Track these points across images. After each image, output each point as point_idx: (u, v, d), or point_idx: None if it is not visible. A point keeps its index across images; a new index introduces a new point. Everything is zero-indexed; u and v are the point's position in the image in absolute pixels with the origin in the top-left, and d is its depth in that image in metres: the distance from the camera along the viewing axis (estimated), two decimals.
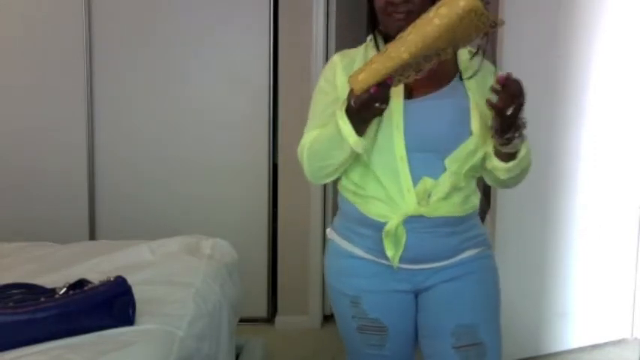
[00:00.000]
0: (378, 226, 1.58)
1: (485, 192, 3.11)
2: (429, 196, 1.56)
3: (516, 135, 1.62)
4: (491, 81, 1.60)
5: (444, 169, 1.57)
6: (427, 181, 1.56)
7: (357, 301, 1.65)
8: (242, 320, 2.50)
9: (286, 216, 3.38)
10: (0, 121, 3.33)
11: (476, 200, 1.67)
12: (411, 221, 1.57)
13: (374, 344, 1.67)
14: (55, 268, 2.14)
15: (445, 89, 1.59)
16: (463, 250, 1.64)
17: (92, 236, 3.37)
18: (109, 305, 1.67)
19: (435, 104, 1.58)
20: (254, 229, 3.42)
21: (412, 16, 1.46)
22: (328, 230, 1.76)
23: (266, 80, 3.32)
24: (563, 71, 2.95)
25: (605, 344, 3.21)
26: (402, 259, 1.59)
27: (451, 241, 1.62)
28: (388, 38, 1.54)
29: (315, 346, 3.18)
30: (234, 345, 2.43)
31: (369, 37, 1.66)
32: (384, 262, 1.61)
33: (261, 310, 3.46)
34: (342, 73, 1.63)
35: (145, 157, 3.38)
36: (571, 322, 3.13)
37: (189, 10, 3.29)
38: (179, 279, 2.08)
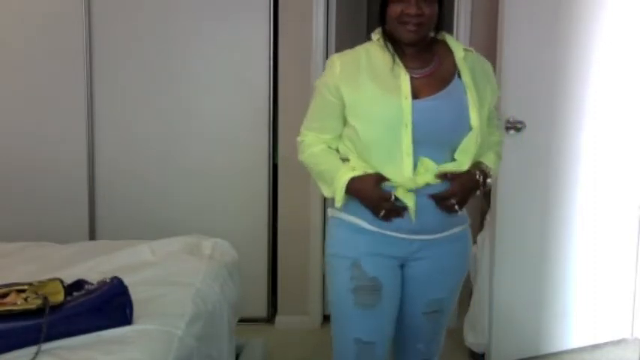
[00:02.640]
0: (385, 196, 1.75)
1: (485, 192, 3.11)
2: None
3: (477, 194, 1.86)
4: (483, 74, 1.85)
5: (449, 161, 1.76)
6: (427, 162, 1.73)
7: (357, 263, 1.82)
8: (242, 320, 2.51)
9: (286, 216, 3.38)
10: (0, 121, 3.33)
11: None
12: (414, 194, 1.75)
13: (367, 304, 1.84)
14: (55, 268, 2.14)
15: (447, 89, 1.76)
16: (452, 226, 1.86)
17: (92, 236, 3.37)
18: (106, 306, 1.67)
19: (439, 103, 1.74)
20: (254, 229, 3.42)
21: (422, 27, 1.71)
22: (329, 210, 1.92)
23: (266, 80, 3.32)
24: (563, 71, 2.94)
25: (605, 344, 3.21)
26: (403, 230, 1.79)
27: (442, 217, 1.81)
28: (393, 39, 1.76)
29: (315, 346, 3.18)
30: (234, 345, 2.43)
31: (375, 37, 1.82)
32: (386, 232, 1.80)
33: (261, 310, 3.46)
34: (341, 72, 1.78)
35: (145, 158, 3.38)
36: (571, 322, 3.13)
37: (189, 11, 3.29)
38: (179, 279, 2.08)
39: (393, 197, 1.74)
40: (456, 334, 3.24)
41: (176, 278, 2.09)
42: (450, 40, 1.86)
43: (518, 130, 2.84)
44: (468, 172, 1.78)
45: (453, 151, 1.78)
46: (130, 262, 2.25)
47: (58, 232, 3.16)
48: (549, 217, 3.02)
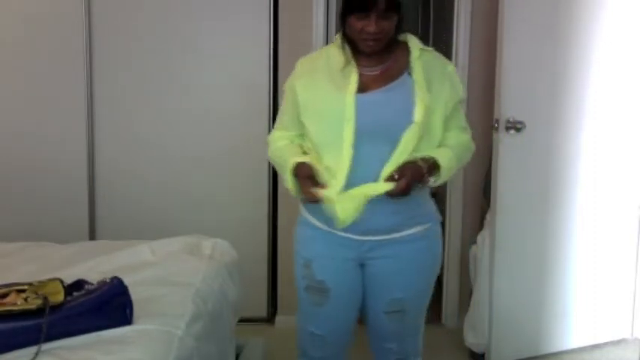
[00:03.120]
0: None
1: (486, 192, 3.12)
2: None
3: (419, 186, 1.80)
4: (441, 74, 1.85)
5: (390, 158, 1.75)
6: (367, 187, 1.75)
7: (308, 263, 1.93)
8: (242, 320, 2.51)
9: (286, 216, 3.38)
10: (0, 121, 3.33)
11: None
12: None
13: (316, 303, 1.94)
14: (55, 268, 2.14)
15: (393, 84, 1.80)
16: (410, 227, 1.86)
17: (92, 236, 3.37)
18: (106, 306, 1.67)
19: (382, 97, 1.78)
20: (254, 229, 3.42)
21: (381, 41, 1.76)
22: (300, 207, 1.99)
23: (266, 80, 3.32)
24: (563, 71, 2.94)
25: (605, 344, 3.21)
26: (350, 230, 1.82)
27: (396, 217, 1.83)
28: (352, 43, 1.80)
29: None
30: (234, 345, 2.43)
31: (336, 39, 1.88)
32: (336, 232, 1.84)
33: (261, 310, 3.46)
34: (299, 73, 1.91)
35: (145, 158, 3.38)
36: (571, 322, 3.13)
37: (189, 11, 3.29)
38: (179, 279, 2.08)
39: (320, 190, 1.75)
40: (456, 334, 3.24)
41: (176, 278, 2.09)
42: (411, 39, 1.90)
43: (518, 130, 2.84)
44: (411, 161, 1.75)
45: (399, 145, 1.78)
46: (130, 262, 2.25)
47: (58, 232, 3.16)
48: (549, 217, 3.02)
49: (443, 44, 3.80)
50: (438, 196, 3.95)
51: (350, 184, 1.75)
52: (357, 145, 1.76)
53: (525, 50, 2.84)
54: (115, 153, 3.36)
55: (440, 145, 1.85)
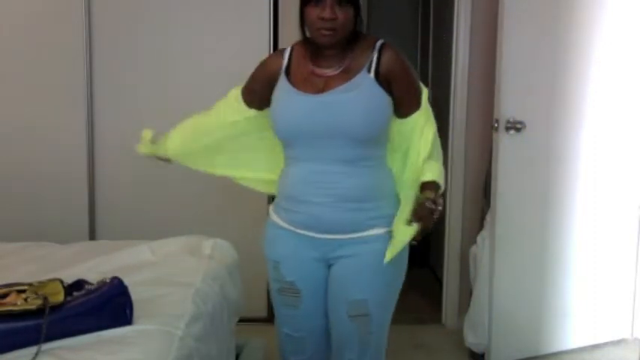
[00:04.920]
0: (294, 201, 1.85)
1: (486, 192, 3.12)
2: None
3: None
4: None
5: (352, 154, 1.78)
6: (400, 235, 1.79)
7: (277, 266, 1.92)
8: (242, 320, 2.50)
9: None
10: (0, 121, 3.33)
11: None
12: (318, 194, 1.81)
13: (290, 304, 1.94)
14: (55, 268, 2.14)
15: (351, 82, 1.79)
16: (371, 227, 1.83)
17: (92, 236, 3.37)
18: (106, 306, 1.67)
19: (339, 97, 1.78)
20: (254, 229, 3.40)
21: (337, 32, 1.74)
22: (269, 207, 2.00)
23: None
24: (562, 71, 2.94)
25: (605, 344, 3.21)
26: (312, 228, 1.84)
27: (357, 216, 1.82)
28: (313, 44, 1.81)
29: None
30: (234, 345, 2.43)
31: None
32: (301, 232, 1.86)
33: (261, 310, 3.45)
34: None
35: (145, 158, 3.37)
36: (571, 322, 3.13)
37: (189, 11, 3.29)
38: (179, 279, 2.08)
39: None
40: (456, 334, 3.24)
41: (176, 278, 2.09)
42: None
43: (518, 130, 2.84)
44: (420, 201, 1.71)
45: (365, 145, 1.79)
46: (130, 262, 2.26)
47: (58, 232, 3.15)
48: (549, 217, 3.02)
49: (443, 44, 3.80)
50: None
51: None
52: (316, 146, 1.79)
53: (525, 50, 2.84)
54: (115, 153, 3.36)
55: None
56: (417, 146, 1.83)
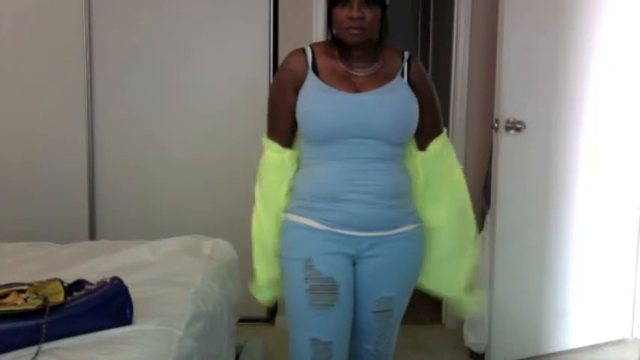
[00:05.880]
0: (332, 200, 1.81)
1: (485, 192, 3.11)
2: None
3: None
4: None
5: (384, 155, 1.81)
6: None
7: (310, 263, 1.83)
8: (242, 320, 2.50)
9: None
10: (0, 121, 3.33)
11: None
12: (358, 192, 1.81)
13: (324, 304, 1.83)
14: (55, 268, 2.14)
15: (389, 84, 1.84)
16: (403, 224, 1.87)
17: (92, 236, 3.37)
18: (106, 306, 1.67)
19: (380, 98, 1.81)
20: None
21: (365, 31, 1.77)
22: (282, 215, 1.91)
23: (266, 80, 3.32)
24: (562, 71, 2.94)
25: (605, 344, 3.21)
26: (350, 226, 1.82)
27: (392, 213, 1.84)
28: (341, 42, 1.83)
29: None
30: (234, 345, 2.43)
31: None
32: (336, 230, 1.82)
33: (261, 310, 3.45)
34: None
35: (145, 157, 3.38)
36: (571, 322, 3.13)
37: (189, 10, 3.29)
38: (179, 279, 2.08)
39: None
40: (456, 334, 3.24)
41: (176, 278, 2.09)
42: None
43: (518, 130, 2.84)
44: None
45: (396, 145, 1.83)
46: (130, 262, 2.25)
47: (58, 232, 3.16)
48: (549, 217, 3.02)
49: (443, 44, 3.80)
50: None
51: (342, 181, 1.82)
52: (354, 146, 1.80)
53: (525, 51, 2.85)
54: (114, 153, 3.36)
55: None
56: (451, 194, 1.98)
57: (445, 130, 1.96)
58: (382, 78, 1.84)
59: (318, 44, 1.93)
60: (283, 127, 1.89)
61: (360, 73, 1.84)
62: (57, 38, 3.29)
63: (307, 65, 1.85)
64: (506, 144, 2.86)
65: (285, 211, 1.91)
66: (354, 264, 1.89)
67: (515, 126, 2.84)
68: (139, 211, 3.38)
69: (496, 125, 2.85)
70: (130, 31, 3.31)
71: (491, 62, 2.94)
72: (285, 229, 1.90)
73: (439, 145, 1.92)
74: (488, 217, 3.01)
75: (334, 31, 1.84)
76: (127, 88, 3.34)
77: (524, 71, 2.86)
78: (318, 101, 1.82)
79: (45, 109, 3.34)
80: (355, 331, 1.95)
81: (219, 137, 3.37)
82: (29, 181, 3.37)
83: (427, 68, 4.50)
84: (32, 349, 1.54)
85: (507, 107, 2.83)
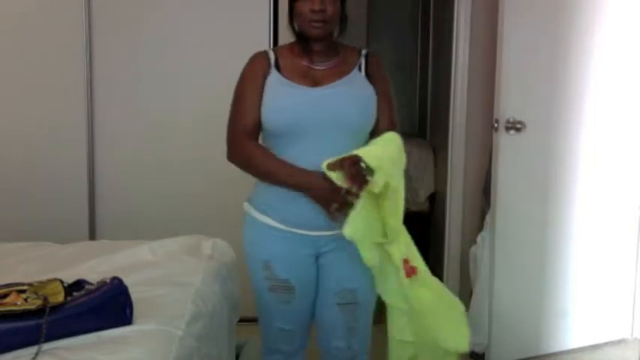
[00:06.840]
0: (287, 199, 1.88)
1: (486, 192, 3.12)
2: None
3: None
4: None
5: (348, 146, 1.81)
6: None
7: (269, 264, 1.95)
8: (242, 320, 2.50)
9: None
10: (0, 121, 3.33)
11: None
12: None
13: (284, 301, 1.97)
14: (55, 268, 2.14)
15: (347, 77, 1.91)
16: None
17: (92, 236, 3.37)
18: (106, 306, 1.67)
19: (338, 90, 1.88)
20: None
21: (326, 24, 1.84)
22: (245, 205, 2.04)
23: None
24: (562, 72, 2.95)
25: (605, 344, 3.21)
26: (306, 227, 1.90)
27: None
28: (302, 37, 1.89)
29: (315, 346, 3.18)
30: (234, 345, 2.43)
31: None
32: (294, 230, 1.90)
33: None
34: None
35: (145, 157, 3.38)
36: (571, 322, 3.13)
37: (188, 11, 3.29)
38: (179, 279, 2.08)
39: (343, 191, 1.76)
40: None
41: (176, 278, 2.09)
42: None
43: (518, 130, 2.84)
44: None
45: (355, 137, 1.87)
46: (130, 262, 2.25)
47: (58, 232, 3.15)
48: (549, 216, 3.02)
49: (443, 44, 3.80)
50: (439, 195, 3.95)
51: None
52: (318, 138, 1.84)
53: (525, 51, 2.85)
54: (115, 153, 3.36)
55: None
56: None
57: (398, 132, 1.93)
58: (341, 71, 1.91)
59: (281, 46, 2.02)
60: (251, 117, 1.93)
61: (320, 67, 1.91)
62: (57, 38, 3.29)
63: (270, 65, 1.92)
64: (506, 144, 2.86)
65: (249, 200, 2.03)
66: (317, 257, 1.97)
67: (515, 126, 2.84)
68: (139, 211, 3.38)
69: (496, 125, 2.85)
70: (130, 31, 3.31)
71: (491, 62, 2.94)
72: (247, 223, 2.03)
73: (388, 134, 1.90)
74: (488, 217, 3.01)
75: (296, 26, 1.90)
76: (127, 88, 3.34)
77: (524, 71, 2.86)
78: (278, 95, 1.88)
79: (45, 109, 3.33)
80: (323, 328, 2.04)
81: (220, 137, 3.35)
82: (29, 181, 3.37)
83: (427, 68, 4.52)
84: (32, 349, 1.54)
85: (507, 107, 2.83)
